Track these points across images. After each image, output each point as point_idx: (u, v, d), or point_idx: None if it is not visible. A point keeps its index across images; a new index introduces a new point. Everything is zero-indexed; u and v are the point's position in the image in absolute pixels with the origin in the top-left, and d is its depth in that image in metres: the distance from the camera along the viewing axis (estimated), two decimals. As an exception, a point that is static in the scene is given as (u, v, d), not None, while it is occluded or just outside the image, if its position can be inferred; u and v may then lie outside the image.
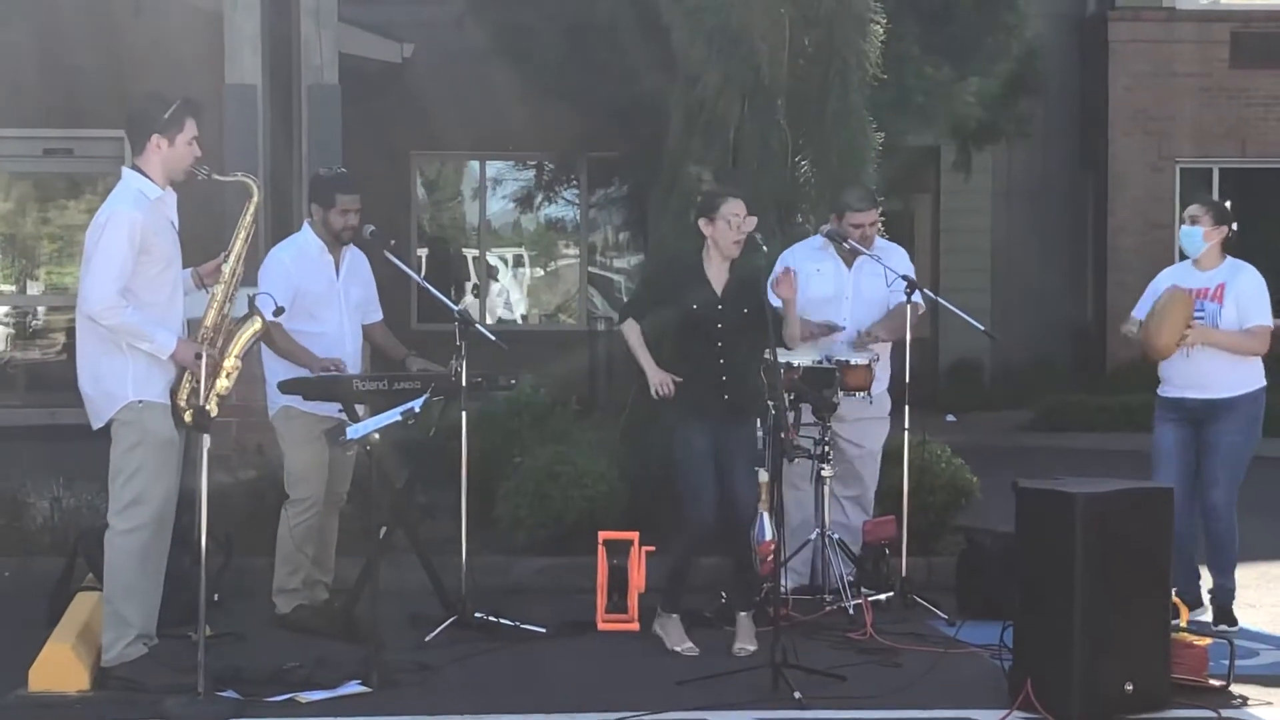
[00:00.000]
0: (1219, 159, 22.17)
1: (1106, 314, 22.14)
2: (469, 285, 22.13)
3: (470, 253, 22.44)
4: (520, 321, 22.53)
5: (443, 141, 20.93)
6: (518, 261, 23.03)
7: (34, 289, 19.29)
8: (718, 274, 8.99)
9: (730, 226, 8.88)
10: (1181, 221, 9.96)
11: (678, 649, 8.93)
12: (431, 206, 23.10)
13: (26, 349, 18.82)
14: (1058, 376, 21.38)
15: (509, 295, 22.99)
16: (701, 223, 9.00)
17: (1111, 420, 19.11)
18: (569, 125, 18.21)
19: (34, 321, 19.17)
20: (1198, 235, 9.72)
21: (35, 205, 18.97)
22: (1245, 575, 10.05)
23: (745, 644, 8.92)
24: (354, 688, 8.07)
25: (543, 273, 23.18)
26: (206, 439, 7.78)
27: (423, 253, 22.04)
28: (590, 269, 22.24)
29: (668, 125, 11.82)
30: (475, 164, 22.20)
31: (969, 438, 14.06)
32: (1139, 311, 9.90)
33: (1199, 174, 22.19)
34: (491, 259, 22.43)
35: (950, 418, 18.79)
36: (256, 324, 8.15)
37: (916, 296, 9.95)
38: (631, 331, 9.12)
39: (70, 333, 18.07)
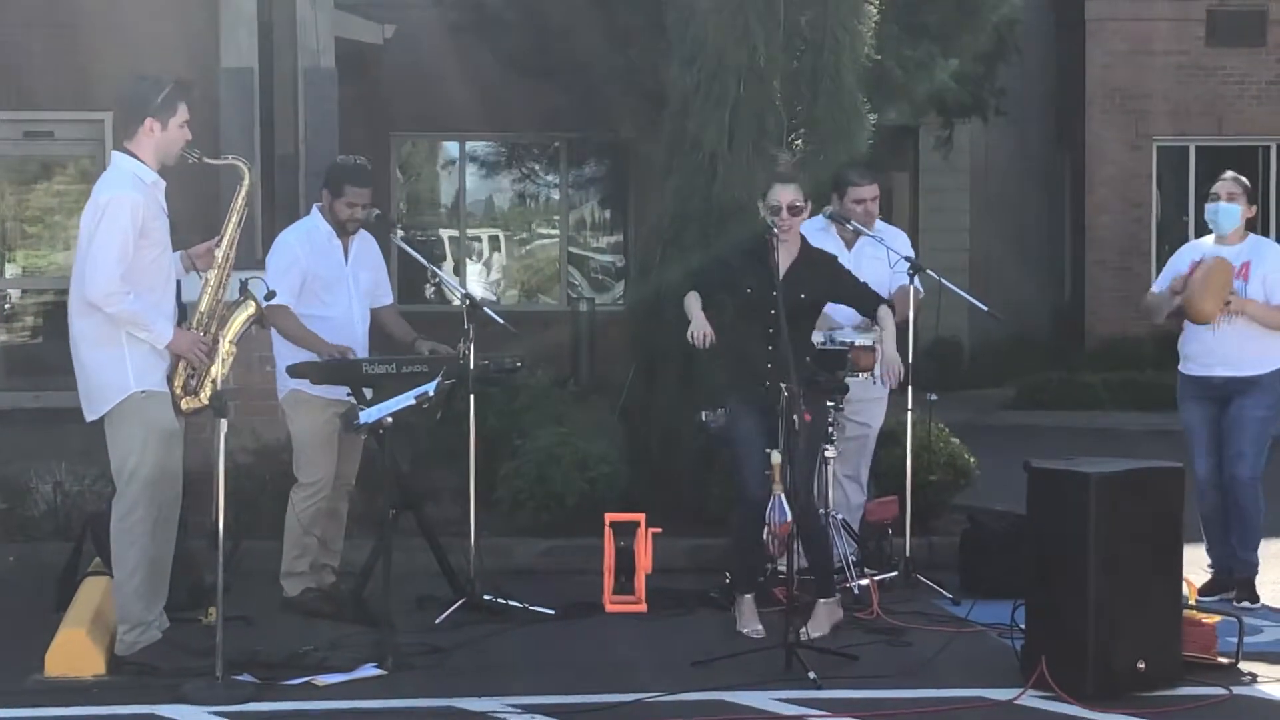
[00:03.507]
0: (1195, 137, 22.27)
1: (1084, 292, 22.26)
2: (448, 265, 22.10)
3: (449, 233, 22.40)
4: (499, 301, 22.49)
5: (422, 121, 20.88)
6: (496, 241, 23.00)
7: (11, 272, 19.18)
8: (781, 255, 8.98)
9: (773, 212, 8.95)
10: (1215, 198, 9.88)
11: (743, 630, 8.93)
12: (410, 186, 23.05)
13: (3, 332, 18.72)
14: (1037, 354, 21.49)
15: (488, 275, 22.96)
16: (760, 204, 9.09)
17: (1093, 398, 19.25)
18: (548, 105, 18.23)
19: (7, 305, 19.06)
20: (1236, 213, 9.77)
21: (12, 188, 18.85)
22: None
23: (815, 629, 8.87)
24: (370, 670, 8.10)
25: (522, 252, 23.15)
26: (224, 424, 7.76)
27: (400, 234, 21.95)
28: (570, 248, 22.23)
29: (652, 104, 11.83)
30: (454, 144, 22.15)
31: (950, 416, 14.06)
32: (1159, 286, 9.94)
33: (1176, 152, 22.32)
34: (470, 239, 22.39)
35: (932, 396, 18.80)
36: (250, 308, 8.15)
37: (917, 279, 9.99)
38: (690, 296, 9.11)
39: (48, 315, 18.01)
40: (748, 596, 9.07)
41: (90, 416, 8.14)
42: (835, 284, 9.25)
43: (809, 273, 9.04)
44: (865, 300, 9.31)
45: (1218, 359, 9.73)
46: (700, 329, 8.89)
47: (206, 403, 8.07)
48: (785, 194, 8.97)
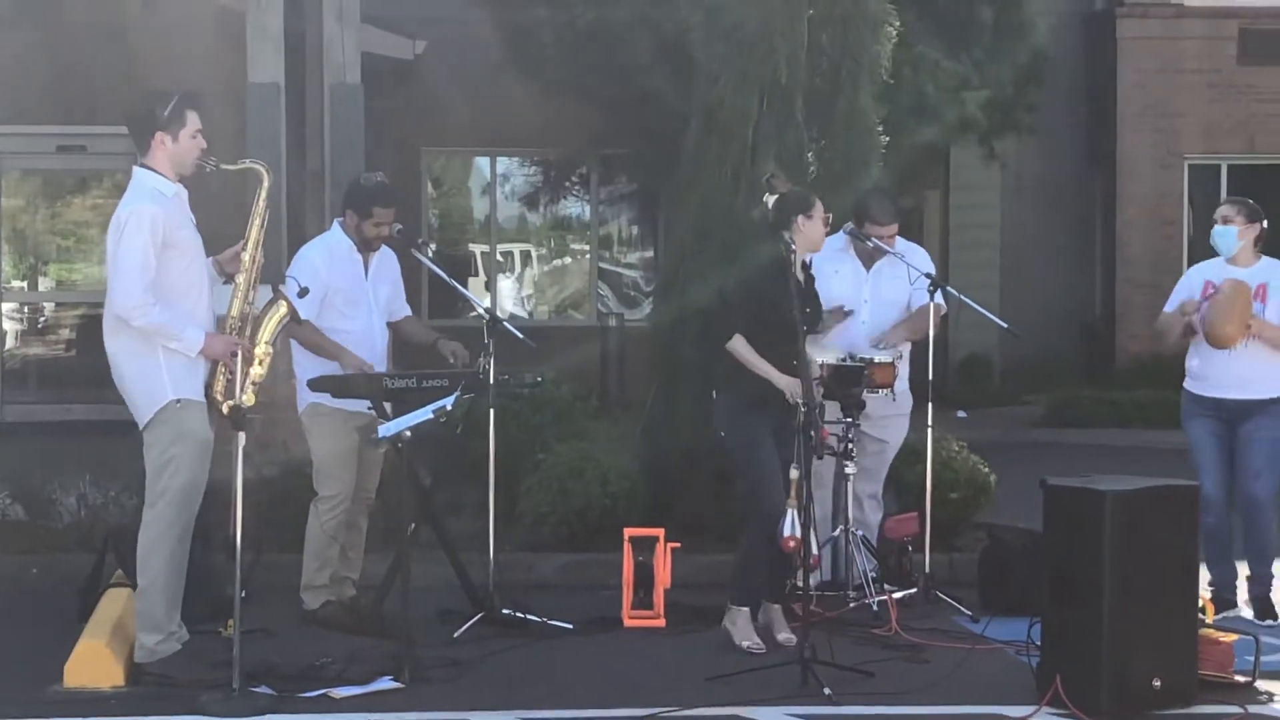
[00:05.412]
0: (1227, 155, 22.16)
1: (1115, 310, 22.19)
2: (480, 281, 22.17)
3: (480, 248, 22.48)
4: (530, 317, 22.55)
5: (453, 137, 20.97)
6: (527, 257, 23.06)
7: (44, 285, 19.32)
8: (794, 273, 9.06)
9: (825, 225, 9.10)
10: (1214, 222, 9.94)
11: (744, 644, 8.96)
12: (441, 202, 23.13)
13: (37, 345, 18.86)
14: (1067, 372, 21.42)
15: (519, 290, 23.01)
16: (800, 219, 9.07)
17: (1122, 416, 19.18)
18: (578, 121, 18.28)
19: (42, 318, 19.20)
20: (1231, 235, 9.76)
21: (46, 202, 19.00)
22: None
23: (784, 633, 8.99)
24: (386, 684, 8.11)
25: (552, 268, 23.20)
26: (241, 436, 7.83)
27: (431, 248, 22.01)
28: (600, 264, 22.28)
29: (677, 121, 11.85)
30: (485, 160, 22.23)
31: (979, 433, 14.11)
32: (1170, 307, 9.91)
33: (1207, 170, 22.22)
34: (501, 255, 22.45)
35: (960, 414, 18.83)
36: (282, 308, 8.23)
37: (939, 296, 10.00)
38: (741, 345, 9.04)
39: (79, 329, 18.17)
40: (745, 610, 9.09)
41: (140, 425, 8.19)
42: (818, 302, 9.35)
43: (810, 289, 9.16)
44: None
45: (1232, 381, 9.68)
46: (793, 385, 8.82)
47: (249, 405, 8.11)
48: (822, 210, 9.14)
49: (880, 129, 11.26)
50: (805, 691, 8.01)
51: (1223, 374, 9.71)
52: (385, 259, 9.67)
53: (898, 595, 9.69)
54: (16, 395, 17.86)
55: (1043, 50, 18.73)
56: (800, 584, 8.76)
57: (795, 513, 8.35)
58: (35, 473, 11.29)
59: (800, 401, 8.46)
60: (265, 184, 8.35)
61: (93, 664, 8.11)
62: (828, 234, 9.50)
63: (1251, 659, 8.31)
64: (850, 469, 9.70)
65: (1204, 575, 9.39)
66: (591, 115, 17.63)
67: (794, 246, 8.90)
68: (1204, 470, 9.74)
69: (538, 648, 9.03)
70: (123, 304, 7.99)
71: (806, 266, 9.19)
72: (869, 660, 8.61)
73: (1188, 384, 9.92)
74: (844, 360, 9.61)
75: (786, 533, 8.40)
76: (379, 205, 9.46)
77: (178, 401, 8.05)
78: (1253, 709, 7.93)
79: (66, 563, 10.16)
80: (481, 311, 9.70)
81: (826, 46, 11.15)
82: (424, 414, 8.39)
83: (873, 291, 10.18)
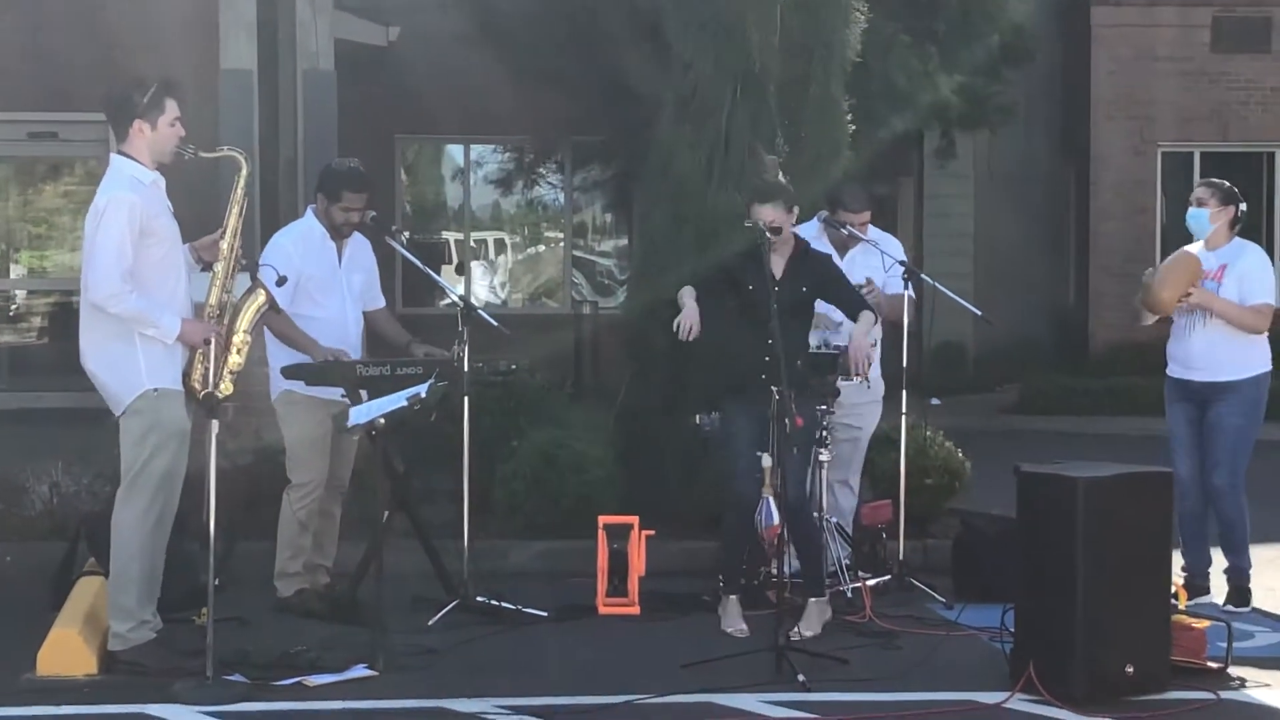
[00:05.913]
0: (1200, 143, 22.22)
1: (1088, 297, 22.25)
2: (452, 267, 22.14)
3: (454, 235, 22.44)
4: (504, 305, 22.54)
5: (427, 124, 20.92)
6: (501, 245, 23.04)
7: (16, 272, 19.25)
8: (777, 257, 9.04)
9: (763, 225, 9.00)
10: (1188, 204, 9.96)
11: (729, 630, 9.01)
12: (414, 189, 23.09)
13: (8, 332, 18.78)
14: (1040, 360, 21.51)
15: (493, 278, 22.99)
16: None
17: (1095, 403, 19.26)
18: (552, 109, 18.23)
19: (14, 306, 19.13)
20: (1204, 216, 9.78)
21: (18, 189, 18.92)
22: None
23: (808, 629, 8.97)
24: (360, 671, 8.12)
25: (527, 256, 23.19)
26: (215, 424, 7.81)
27: (405, 236, 21.97)
28: (575, 252, 22.26)
29: (651, 109, 11.83)
30: (459, 147, 22.19)
31: (953, 420, 14.11)
32: None
33: (1180, 158, 22.27)
34: (475, 242, 22.42)
35: (934, 401, 18.80)
36: (260, 296, 8.21)
37: (909, 286, 10.00)
38: (685, 289, 9.13)
39: (52, 317, 18.09)
40: (733, 597, 9.14)
41: (116, 413, 8.18)
42: (827, 282, 9.29)
43: (805, 267, 9.12)
44: (852, 304, 9.32)
45: (1196, 362, 9.73)
46: (688, 319, 8.89)
47: (227, 393, 8.10)
48: (764, 213, 9.02)
49: (850, 116, 11.26)
50: (780, 678, 8.02)
51: (1188, 356, 9.76)
52: (359, 247, 9.66)
53: (872, 582, 9.72)
54: (-11, 383, 17.79)
55: (1023, 28, 18.74)
56: (775, 571, 8.78)
57: (772, 500, 8.37)
58: (7, 460, 11.24)
59: (773, 388, 8.46)
60: (243, 172, 8.32)
61: (66, 652, 8.08)
62: (800, 221, 9.51)
63: (1224, 645, 8.34)
64: (825, 456, 9.71)
65: (1177, 561, 9.46)
66: (565, 102, 17.58)
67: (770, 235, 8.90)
68: (1178, 455, 9.79)
69: (512, 635, 9.03)
70: (99, 291, 7.97)
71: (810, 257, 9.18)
72: (843, 647, 8.64)
73: (1167, 368, 9.95)
74: (818, 348, 9.62)
75: (774, 521, 8.43)
76: (349, 190, 9.44)
77: (154, 390, 8.03)
78: (1225, 695, 7.96)
79: (39, 551, 10.13)
80: (455, 299, 9.70)
81: (798, 33, 11.14)
82: (397, 400, 8.39)
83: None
